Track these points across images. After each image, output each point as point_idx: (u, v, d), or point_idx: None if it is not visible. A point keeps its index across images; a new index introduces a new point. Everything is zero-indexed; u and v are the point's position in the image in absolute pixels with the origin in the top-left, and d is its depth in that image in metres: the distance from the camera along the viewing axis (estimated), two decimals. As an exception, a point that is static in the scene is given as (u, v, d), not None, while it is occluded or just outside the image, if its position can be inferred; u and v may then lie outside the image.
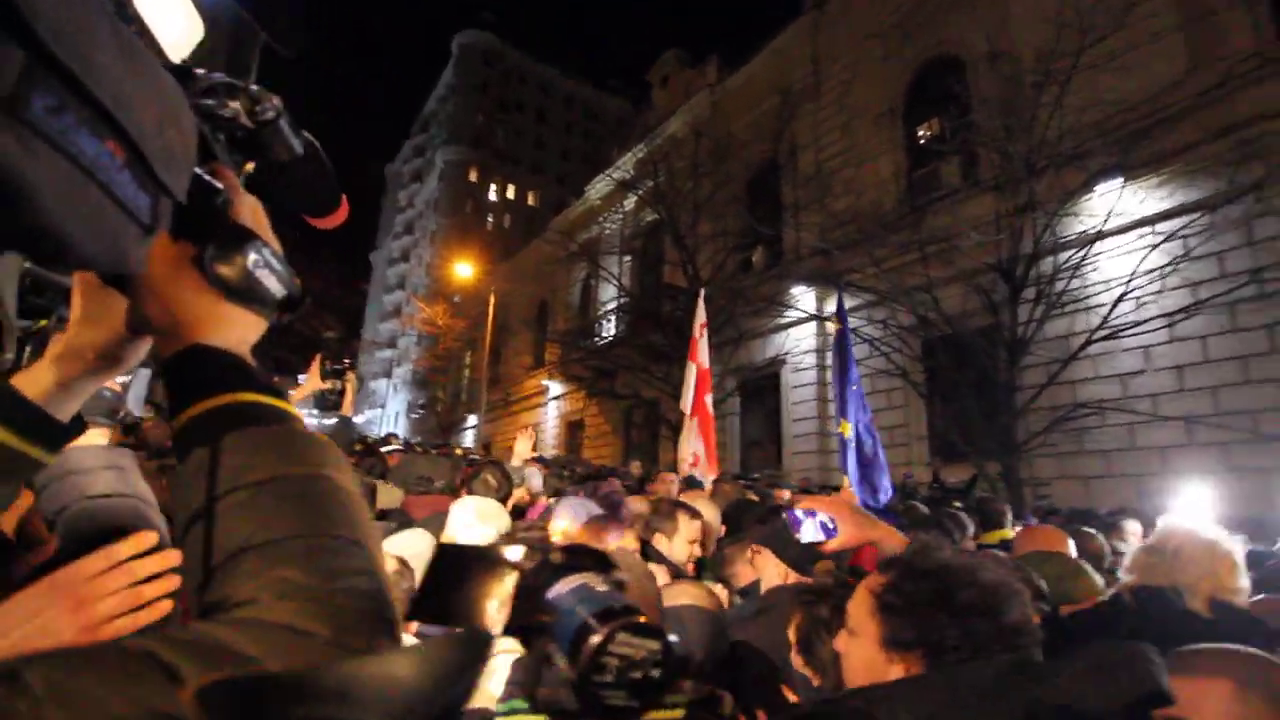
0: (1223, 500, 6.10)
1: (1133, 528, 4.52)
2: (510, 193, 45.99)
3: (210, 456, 0.44)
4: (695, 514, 2.75)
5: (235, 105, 0.59)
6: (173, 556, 0.77)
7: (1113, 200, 7.95)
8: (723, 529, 3.53)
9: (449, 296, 29.32)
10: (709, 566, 2.90)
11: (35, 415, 0.58)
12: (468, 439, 26.23)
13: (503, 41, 45.92)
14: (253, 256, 0.53)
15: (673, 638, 0.43)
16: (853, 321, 10.72)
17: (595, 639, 0.43)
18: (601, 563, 0.66)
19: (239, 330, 0.53)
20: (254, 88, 0.60)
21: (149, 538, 0.78)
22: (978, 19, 10.01)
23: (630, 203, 17.86)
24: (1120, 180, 7.84)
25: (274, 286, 0.54)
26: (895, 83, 11.45)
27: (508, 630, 0.41)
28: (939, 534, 3.11)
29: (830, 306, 11.82)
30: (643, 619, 0.44)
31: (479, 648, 0.20)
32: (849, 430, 4.74)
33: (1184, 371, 7.63)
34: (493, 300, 21.60)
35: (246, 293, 0.53)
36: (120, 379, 1.09)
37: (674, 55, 17.72)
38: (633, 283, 17.43)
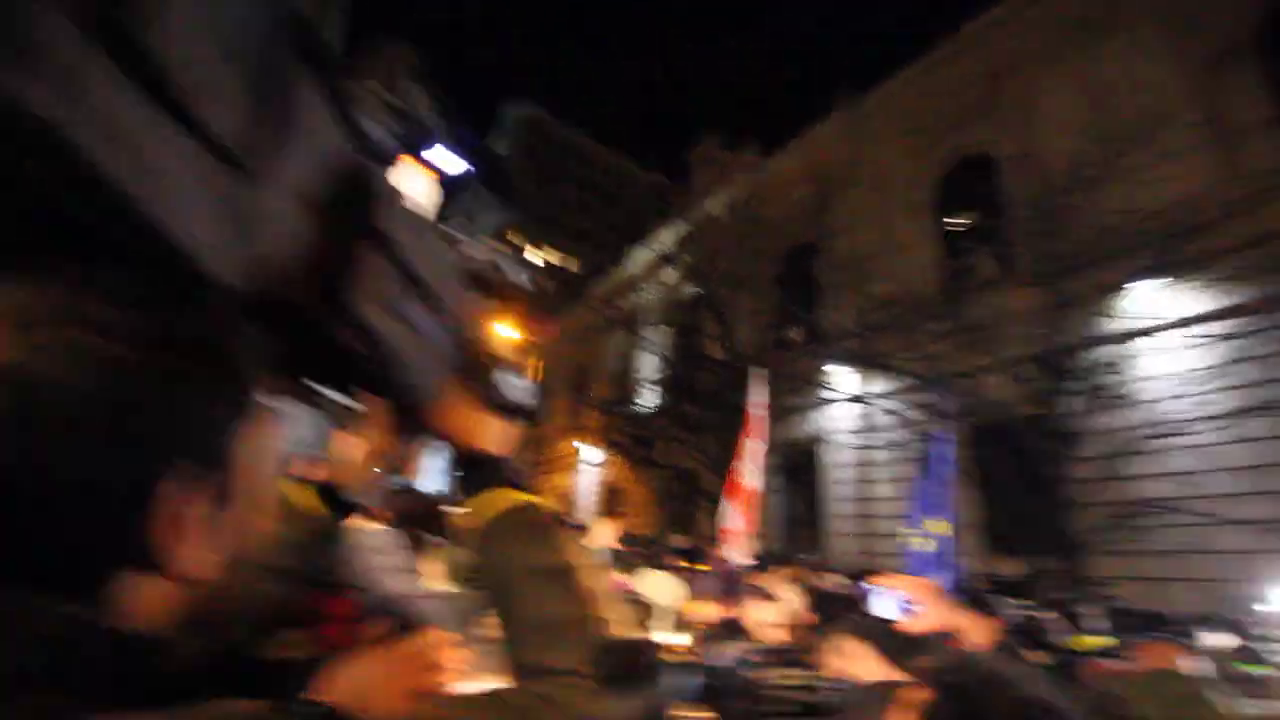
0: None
1: (1214, 639, 4.16)
2: (553, 258, 47.57)
3: (506, 547, 0.64)
4: (768, 596, 2.69)
5: (480, 258, 0.85)
6: (465, 656, 0.99)
7: (1154, 299, 8.04)
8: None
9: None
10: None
11: (348, 501, 0.78)
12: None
13: (550, 116, 48.58)
14: (512, 382, 0.74)
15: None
16: (892, 404, 10.86)
17: (753, 676, 0.55)
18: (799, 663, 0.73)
19: (506, 437, 0.74)
20: (491, 240, 0.86)
21: (451, 638, 1.01)
22: (1005, 124, 10.42)
23: (670, 276, 18.41)
24: (1160, 280, 7.94)
25: (526, 403, 0.77)
26: (928, 177, 11.85)
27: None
28: (1019, 638, 3.03)
29: (871, 386, 11.92)
30: (793, 656, 0.55)
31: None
32: (948, 528, 4.71)
33: (1254, 472, 7.42)
34: (533, 364, 22.13)
35: (510, 410, 0.74)
36: None
37: (715, 138, 18.57)
38: (672, 353, 17.78)
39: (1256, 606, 6.22)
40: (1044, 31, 10.15)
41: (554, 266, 47.40)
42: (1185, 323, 7.92)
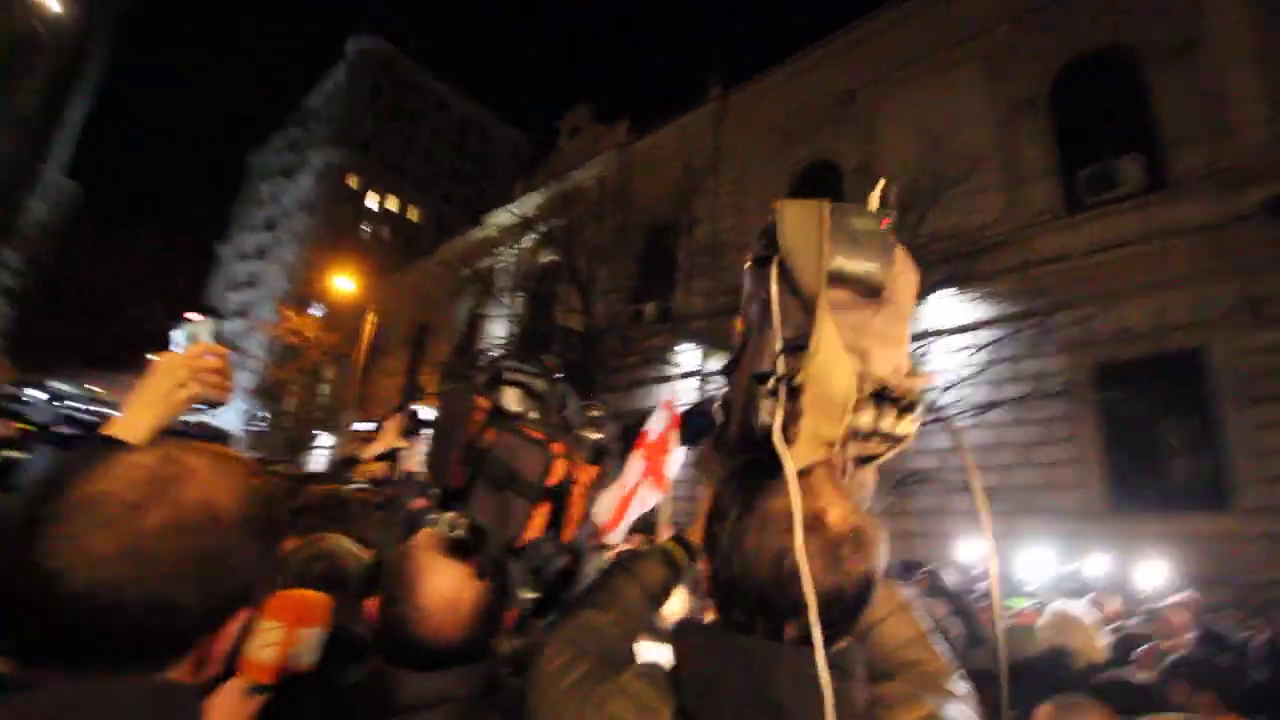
0: (1003, 560, 7.64)
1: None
2: (393, 205, 44.15)
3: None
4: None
5: None
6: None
7: (947, 306, 9.80)
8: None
9: (312, 304, 27.51)
10: None
11: None
12: (317, 460, 24.42)
13: (402, 53, 44.69)
14: None
15: None
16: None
17: None
18: None
19: None
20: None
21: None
22: (851, 138, 11.89)
23: (529, 240, 18.23)
24: (953, 290, 9.70)
25: None
26: (782, 176, 13.08)
27: None
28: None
29: (713, 363, 12.99)
30: None
31: None
32: None
33: (986, 452, 9.42)
34: (370, 317, 20.69)
35: None
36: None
37: (587, 109, 18.62)
38: (526, 320, 17.69)
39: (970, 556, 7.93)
40: (888, 61, 11.70)
41: (394, 215, 44.16)
42: (967, 329, 9.77)
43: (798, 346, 0.70)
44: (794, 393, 0.70)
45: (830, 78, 12.53)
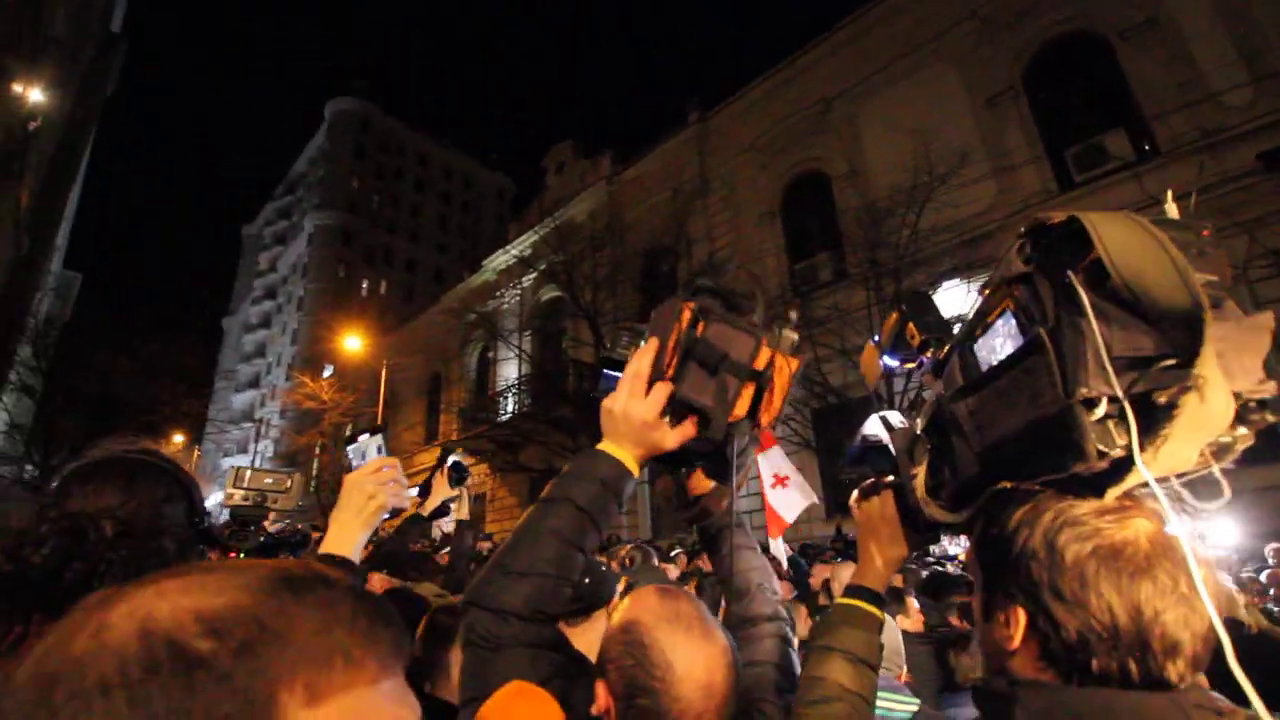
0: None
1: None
2: (389, 259, 44.71)
3: None
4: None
5: None
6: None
7: (957, 295, 9.90)
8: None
9: (323, 367, 27.80)
10: None
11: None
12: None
13: (379, 110, 45.56)
14: None
15: None
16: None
17: None
18: None
19: None
20: None
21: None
22: (835, 145, 12.11)
23: (530, 279, 18.50)
24: (957, 280, 9.81)
25: None
26: (772, 189, 13.30)
27: None
28: None
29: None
30: None
31: None
32: None
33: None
34: (384, 373, 20.91)
35: None
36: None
37: (570, 145, 18.96)
38: (538, 357, 17.88)
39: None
40: (858, 68, 11.96)
41: (391, 268, 44.67)
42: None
43: (1143, 362, 0.63)
44: (1151, 413, 0.62)
45: (804, 90, 12.79)
